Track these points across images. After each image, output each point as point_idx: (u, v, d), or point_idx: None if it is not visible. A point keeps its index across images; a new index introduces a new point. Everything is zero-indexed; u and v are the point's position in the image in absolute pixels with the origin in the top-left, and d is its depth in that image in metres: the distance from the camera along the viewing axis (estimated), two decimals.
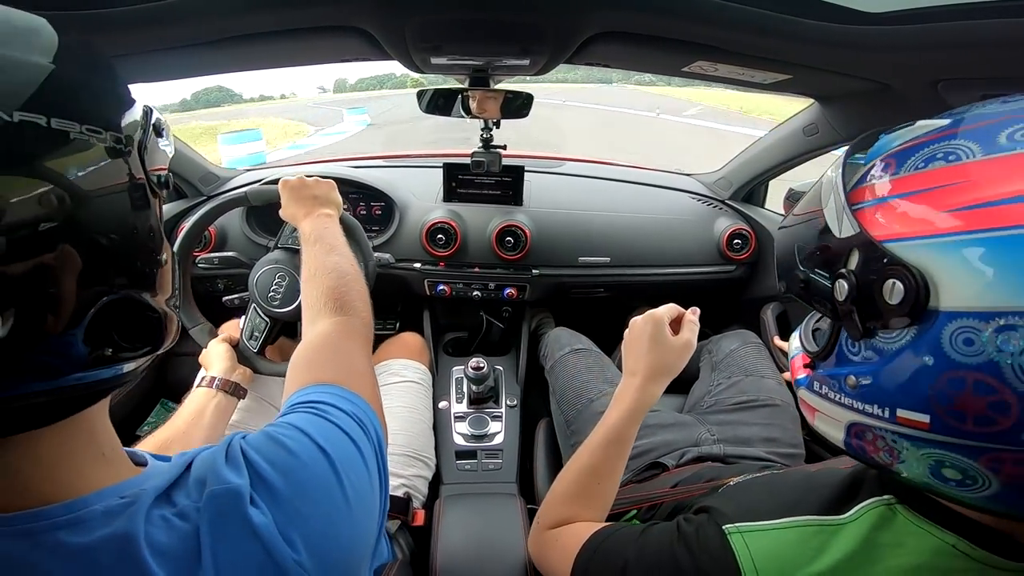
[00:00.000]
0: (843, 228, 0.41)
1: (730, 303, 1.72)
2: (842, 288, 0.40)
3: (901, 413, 0.37)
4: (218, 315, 1.18)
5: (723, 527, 0.50)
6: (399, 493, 0.99)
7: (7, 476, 0.32)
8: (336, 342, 0.63)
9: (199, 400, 0.94)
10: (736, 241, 1.52)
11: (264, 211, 1.50)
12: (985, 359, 0.32)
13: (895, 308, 0.36)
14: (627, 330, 0.79)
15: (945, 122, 0.39)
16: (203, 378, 0.99)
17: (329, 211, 0.90)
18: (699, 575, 0.49)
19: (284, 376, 1.02)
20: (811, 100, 1.17)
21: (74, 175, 0.31)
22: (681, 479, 0.89)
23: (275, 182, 1.01)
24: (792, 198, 1.47)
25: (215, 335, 1.09)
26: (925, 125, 0.41)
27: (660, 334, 0.74)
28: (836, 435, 0.45)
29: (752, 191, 1.62)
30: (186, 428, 0.89)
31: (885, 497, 0.45)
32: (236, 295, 1.14)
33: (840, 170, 0.43)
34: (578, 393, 1.15)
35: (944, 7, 0.59)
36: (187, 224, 1.10)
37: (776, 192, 1.60)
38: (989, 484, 0.35)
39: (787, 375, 1.21)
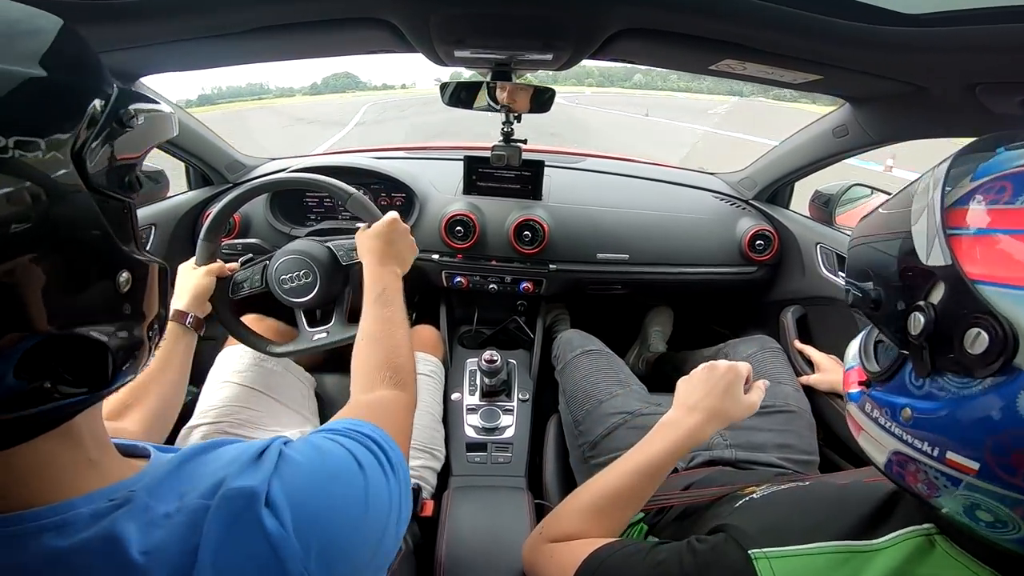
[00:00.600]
0: (932, 255, 0.37)
1: (750, 305, 1.70)
2: (917, 322, 0.37)
3: (951, 456, 0.36)
4: (239, 306, 1.20)
5: (749, 551, 0.48)
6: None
7: None
8: (396, 411, 0.67)
9: (168, 337, 0.90)
10: (759, 242, 1.49)
11: (290, 199, 1.53)
12: None
13: (974, 359, 0.33)
14: (701, 368, 0.79)
15: None
16: (174, 311, 0.94)
17: (399, 271, 0.92)
18: None
19: (233, 334, 1.08)
20: (841, 101, 1.13)
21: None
22: (691, 481, 0.88)
23: (325, 173, 1.04)
24: (819, 200, 1.44)
25: (213, 262, 1.06)
26: None
27: (737, 386, 0.75)
28: (878, 457, 0.44)
29: (777, 192, 1.58)
30: (155, 371, 0.86)
31: (925, 526, 0.43)
32: (254, 259, 1.14)
33: (940, 184, 0.39)
34: (588, 394, 1.15)
35: (983, 9, 0.57)
36: (280, 177, 1.11)
37: (801, 194, 1.57)
38: (1019, 530, 0.34)
39: (804, 379, 1.20)
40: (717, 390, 0.74)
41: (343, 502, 0.43)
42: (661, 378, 1.69)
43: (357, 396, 0.70)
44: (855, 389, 0.48)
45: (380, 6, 0.77)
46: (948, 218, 0.37)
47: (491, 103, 1.17)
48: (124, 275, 0.35)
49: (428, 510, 0.99)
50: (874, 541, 0.44)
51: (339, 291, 1.11)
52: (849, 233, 1.31)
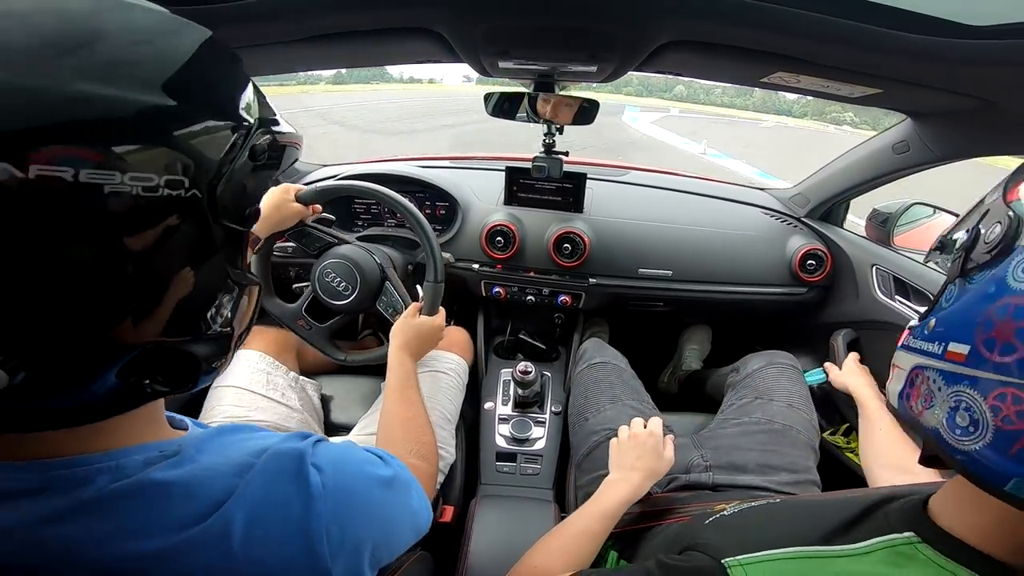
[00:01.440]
0: (993, 195, 0.43)
1: (798, 326, 1.63)
2: (960, 239, 0.43)
3: (951, 347, 0.39)
4: (289, 301, 1.24)
5: (721, 561, 0.48)
6: None
7: (54, 438, 0.36)
8: (420, 477, 0.71)
9: None
10: (810, 262, 1.43)
11: (340, 205, 1.58)
12: None
13: (988, 244, 0.39)
14: (628, 436, 0.92)
15: None
16: None
17: (415, 362, 1.00)
18: None
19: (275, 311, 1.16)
20: (903, 116, 1.08)
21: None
22: (668, 507, 0.88)
23: (370, 180, 1.11)
24: (876, 218, 1.37)
25: (309, 204, 1.09)
26: None
27: (659, 446, 0.89)
28: (897, 388, 0.46)
29: (831, 210, 1.52)
30: None
31: (906, 535, 0.42)
32: (305, 283, 1.20)
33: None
34: (579, 410, 1.15)
35: None
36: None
37: (858, 211, 1.50)
38: (984, 432, 0.35)
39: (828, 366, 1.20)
40: (646, 450, 0.88)
41: (371, 478, 0.49)
42: (689, 397, 1.64)
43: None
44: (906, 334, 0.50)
45: (428, 17, 0.79)
46: (1012, 177, 0.43)
47: (531, 115, 1.18)
48: (227, 297, 0.40)
49: (448, 515, 0.99)
50: (851, 546, 0.44)
51: (356, 315, 1.18)
52: (908, 255, 1.26)
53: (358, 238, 1.46)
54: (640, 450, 0.88)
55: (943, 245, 0.48)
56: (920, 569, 0.40)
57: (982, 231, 0.40)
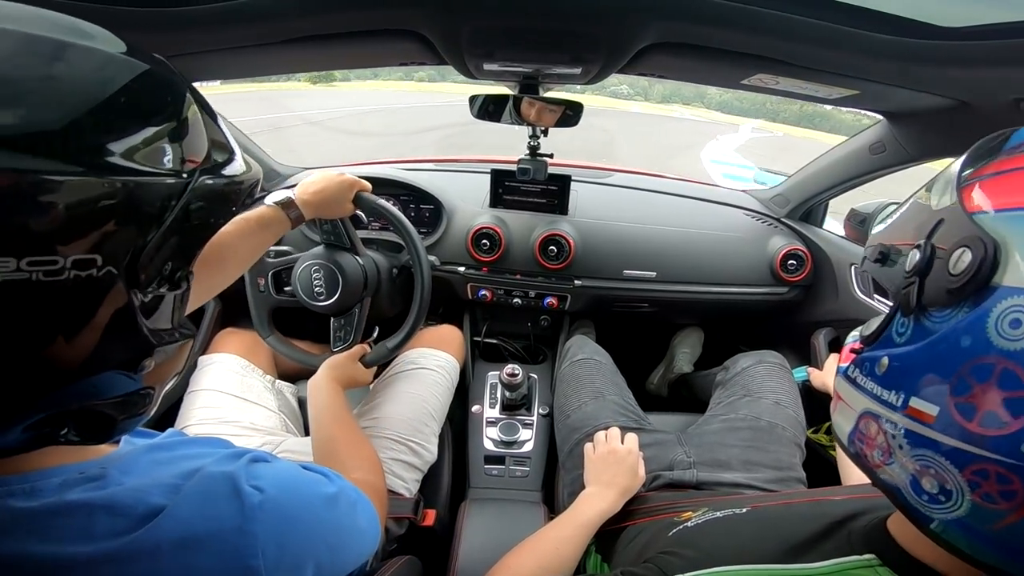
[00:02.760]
0: (942, 200, 0.37)
1: (780, 326, 1.65)
2: (912, 259, 0.37)
3: (914, 403, 0.34)
4: (275, 315, 1.22)
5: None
6: (404, 492, 1.00)
7: None
8: (368, 491, 0.70)
9: (268, 219, 0.88)
10: (791, 262, 1.46)
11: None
12: (1022, 346, 0.29)
13: (957, 278, 0.32)
14: (607, 451, 0.94)
15: None
16: (287, 197, 0.93)
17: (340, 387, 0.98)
18: None
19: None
20: (878, 117, 1.10)
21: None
22: (651, 505, 0.88)
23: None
24: (854, 218, 1.40)
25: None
26: None
27: (636, 464, 0.92)
28: (845, 428, 0.42)
29: (811, 210, 1.55)
30: (241, 235, 0.84)
31: (866, 557, 0.41)
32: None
33: (969, 153, 0.39)
34: (560, 408, 1.15)
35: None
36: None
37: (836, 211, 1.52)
38: (960, 504, 0.32)
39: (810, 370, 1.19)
40: (624, 468, 0.90)
41: (314, 496, 0.49)
42: (679, 398, 1.65)
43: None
44: (846, 362, 0.46)
45: (412, 19, 0.79)
46: (963, 176, 0.37)
47: (516, 118, 1.18)
48: (149, 361, 0.36)
49: (430, 519, 0.98)
50: (809, 565, 0.42)
51: (352, 305, 1.16)
52: None
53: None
54: (618, 467, 0.90)
55: (883, 256, 0.43)
56: None
57: (940, 253, 0.35)
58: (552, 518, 1.03)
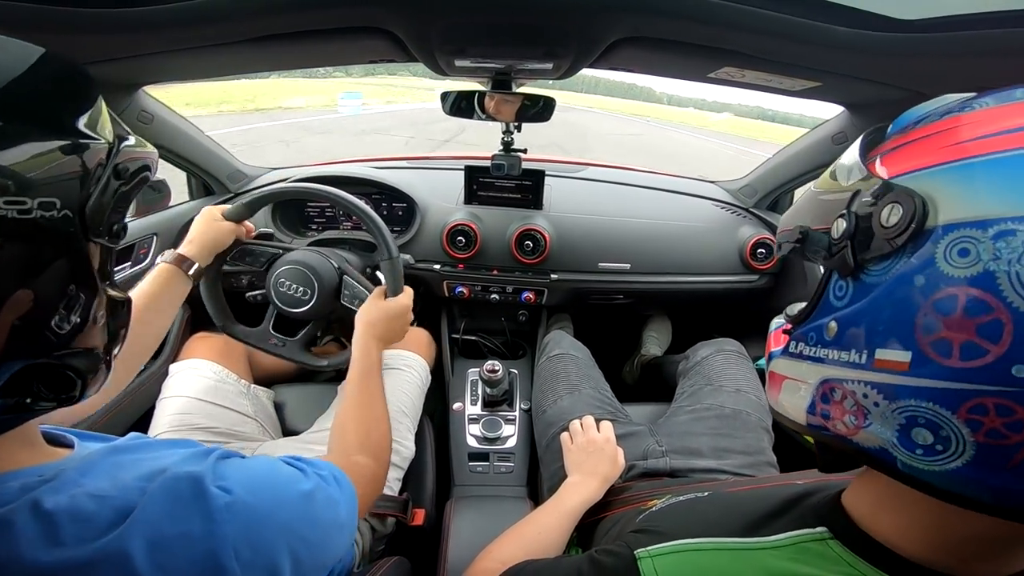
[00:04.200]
0: (851, 177, 0.39)
1: (751, 314, 1.69)
2: (839, 227, 0.38)
3: (880, 354, 0.33)
4: (242, 312, 1.20)
5: (635, 551, 0.48)
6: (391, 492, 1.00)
7: None
8: (363, 474, 0.72)
9: (165, 281, 0.86)
10: (760, 250, 1.49)
11: (291, 209, 1.53)
12: (981, 269, 0.29)
13: (891, 229, 0.33)
14: (586, 440, 0.96)
15: (973, 94, 0.37)
16: (172, 253, 0.90)
17: (382, 350, 0.94)
18: None
19: (205, 297, 1.08)
20: (840, 108, 1.14)
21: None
22: (627, 494, 0.90)
23: (325, 182, 1.04)
24: None
25: (242, 221, 1.03)
26: (949, 96, 0.39)
27: (615, 455, 0.94)
28: (800, 406, 0.41)
29: (777, 200, 1.59)
30: (146, 306, 0.82)
31: (818, 530, 0.42)
32: (259, 291, 1.15)
33: (861, 139, 0.42)
34: (537, 402, 1.16)
35: (979, 15, 0.57)
36: (315, 186, 1.05)
37: None
38: (962, 448, 0.30)
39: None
40: (604, 457, 0.93)
41: (287, 494, 0.47)
42: (649, 384, 1.68)
43: (333, 457, 0.75)
44: (777, 346, 0.47)
45: (382, 16, 0.78)
46: (865, 155, 0.39)
47: (478, 113, 1.18)
48: (101, 311, 0.40)
49: (419, 519, 0.98)
50: (761, 539, 0.44)
51: (323, 318, 1.12)
52: None
53: (312, 242, 1.43)
54: (599, 456, 0.93)
55: (803, 236, 0.44)
56: (830, 565, 0.39)
57: (873, 216, 0.35)
58: None
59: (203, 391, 1.07)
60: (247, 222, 1.05)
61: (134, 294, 0.81)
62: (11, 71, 0.34)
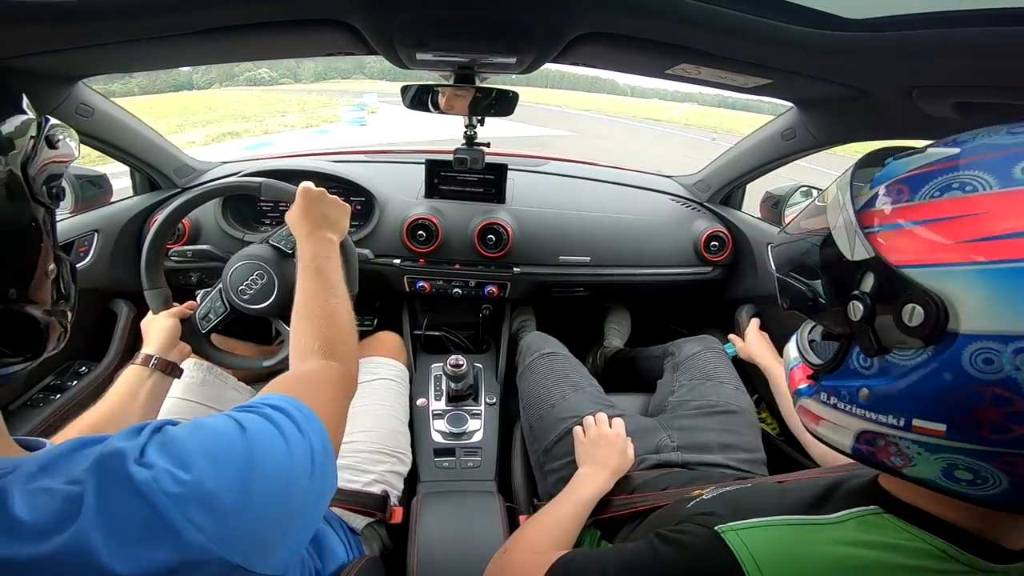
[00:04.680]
0: (856, 251, 0.43)
1: (706, 304, 1.75)
2: (856, 309, 0.42)
3: (917, 423, 0.39)
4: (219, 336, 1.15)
5: (714, 528, 0.50)
6: (375, 490, 0.98)
7: None
8: (317, 378, 0.65)
9: (132, 380, 0.89)
10: (713, 243, 1.55)
11: (241, 203, 1.48)
12: (1003, 376, 0.34)
13: (915, 330, 0.38)
14: (597, 434, 1.00)
15: (955, 151, 0.41)
16: (138, 355, 0.93)
17: (333, 236, 0.89)
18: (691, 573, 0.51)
19: (222, 365, 1.08)
20: (790, 105, 1.19)
21: None
22: (641, 482, 0.94)
23: (279, 176, 1.03)
24: (769, 201, 1.50)
25: (169, 305, 1.04)
26: (935, 153, 0.42)
27: (626, 448, 0.98)
28: (843, 441, 0.47)
29: (730, 194, 1.64)
30: (118, 410, 0.83)
31: (872, 507, 0.47)
32: (209, 288, 1.11)
33: (848, 192, 0.45)
34: (541, 399, 1.17)
35: (920, 15, 0.61)
36: (167, 210, 1.05)
37: (753, 195, 1.63)
38: (1000, 483, 0.37)
39: (733, 338, 1.28)
40: (614, 450, 0.96)
41: (221, 456, 0.42)
42: (617, 376, 1.72)
43: (292, 371, 0.69)
44: (804, 384, 0.52)
45: (341, 8, 0.76)
46: (861, 220, 0.43)
47: (431, 107, 1.17)
48: (52, 266, 0.45)
49: (397, 517, 0.97)
50: (823, 516, 0.48)
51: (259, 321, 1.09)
52: None
53: (266, 238, 1.38)
54: (610, 449, 0.96)
55: (815, 301, 0.48)
56: (891, 534, 0.44)
57: (893, 311, 0.39)
58: (509, 507, 1.06)
59: (188, 393, 1.05)
60: (180, 307, 1.06)
61: (108, 399, 0.85)
62: None
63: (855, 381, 0.44)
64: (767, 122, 1.34)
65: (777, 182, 1.50)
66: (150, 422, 0.43)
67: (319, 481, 0.49)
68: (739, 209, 1.66)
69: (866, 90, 0.87)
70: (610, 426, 1.02)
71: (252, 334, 1.39)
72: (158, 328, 0.98)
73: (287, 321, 1.03)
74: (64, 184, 0.48)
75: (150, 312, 1.03)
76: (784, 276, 0.54)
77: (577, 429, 1.03)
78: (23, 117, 0.43)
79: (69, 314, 0.48)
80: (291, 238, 1.04)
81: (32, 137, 0.42)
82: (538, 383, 1.21)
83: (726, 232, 1.56)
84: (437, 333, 1.68)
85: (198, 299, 1.09)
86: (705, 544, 0.50)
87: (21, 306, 0.41)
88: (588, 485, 0.90)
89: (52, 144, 0.45)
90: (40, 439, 0.47)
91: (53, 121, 0.46)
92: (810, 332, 0.57)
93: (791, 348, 0.57)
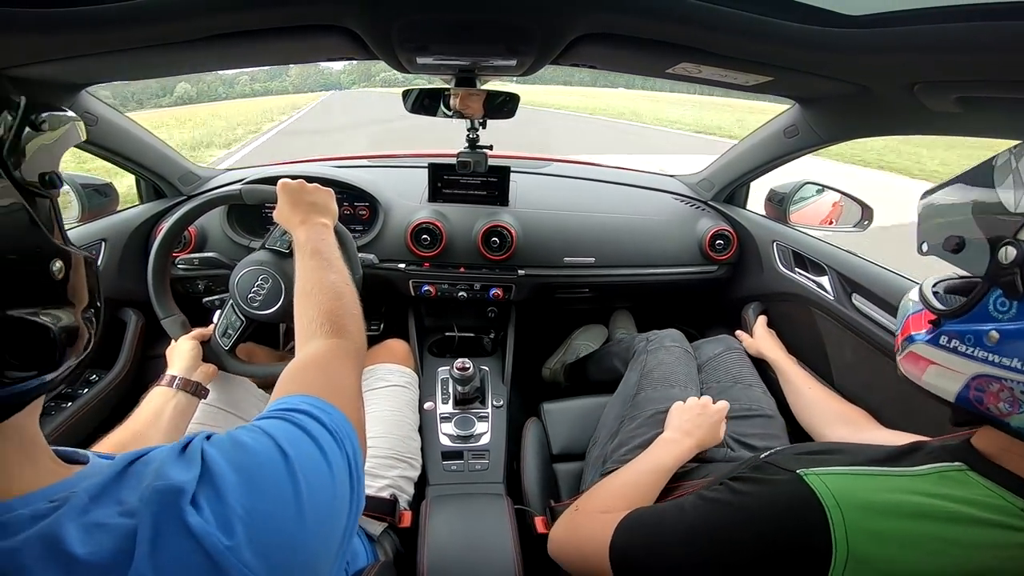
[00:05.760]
0: (1020, 205, 0.45)
1: (713, 303, 1.75)
2: (1008, 253, 0.44)
3: None
4: (199, 316, 1.16)
5: (796, 471, 0.53)
6: (385, 494, 0.99)
7: None
8: (328, 361, 0.63)
9: (157, 400, 0.92)
10: (718, 242, 1.54)
11: (247, 211, 1.49)
12: None
13: None
14: (698, 404, 0.99)
15: None
16: (163, 376, 0.97)
17: (326, 220, 0.90)
18: (775, 514, 0.52)
19: (251, 376, 1.04)
20: (792, 102, 1.18)
21: None
22: (686, 470, 0.92)
23: (271, 181, 1.00)
24: (774, 198, 1.50)
25: (188, 329, 1.07)
26: None
27: (719, 426, 0.97)
28: (951, 387, 0.49)
29: (734, 192, 1.64)
30: (143, 429, 0.87)
31: (956, 464, 0.49)
32: (216, 296, 1.12)
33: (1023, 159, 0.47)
34: (665, 376, 1.16)
35: (921, 10, 0.60)
36: (170, 220, 1.07)
37: (757, 194, 1.63)
38: None
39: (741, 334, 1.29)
40: (707, 422, 0.95)
41: (270, 492, 0.41)
42: (576, 379, 1.74)
43: (300, 356, 0.67)
44: (923, 330, 0.54)
45: (341, 13, 0.76)
46: None
47: (444, 110, 1.18)
48: (57, 264, 0.39)
49: (407, 521, 0.98)
50: (909, 468, 0.50)
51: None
52: (803, 230, 1.39)
53: (263, 243, 1.39)
54: (703, 419, 0.96)
55: (960, 246, 0.50)
56: (973, 489, 0.47)
57: None
58: (518, 509, 1.05)
59: (211, 398, 1.06)
60: (199, 330, 1.09)
61: (135, 419, 0.89)
62: None
63: (986, 324, 0.46)
64: (769, 119, 1.34)
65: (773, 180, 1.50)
66: (194, 440, 0.43)
67: (357, 498, 0.49)
68: (743, 207, 1.65)
69: (867, 86, 0.86)
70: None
71: (267, 338, 1.41)
72: (180, 353, 1.02)
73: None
74: (59, 172, 0.43)
75: (172, 345, 1.06)
76: (933, 221, 0.55)
77: (676, 403, 1.02)
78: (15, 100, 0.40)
79: (90, 323, 0.43)
80: (286, 237, 1.06)
81: (11, 118, 0.39)
82: (664, 364, 1.20)
83: (731, 230, 1.55)
84: (453, 334, 1.67)
85: (214, 319, 1.11)
86: (786, 484, 0.53)
87: (23, 312, 0.35)
88: (668, 450, 0.89)
89: (36, 127, 0.41)
90: (79, 451, 0.44)
91: (52, 112, 0.43)
92: (936, 284, 0.58)
93: (911, 296, 0.59)
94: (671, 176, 1.81)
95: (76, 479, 0.38)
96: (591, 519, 0.76)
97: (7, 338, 0.34)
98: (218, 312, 1.11)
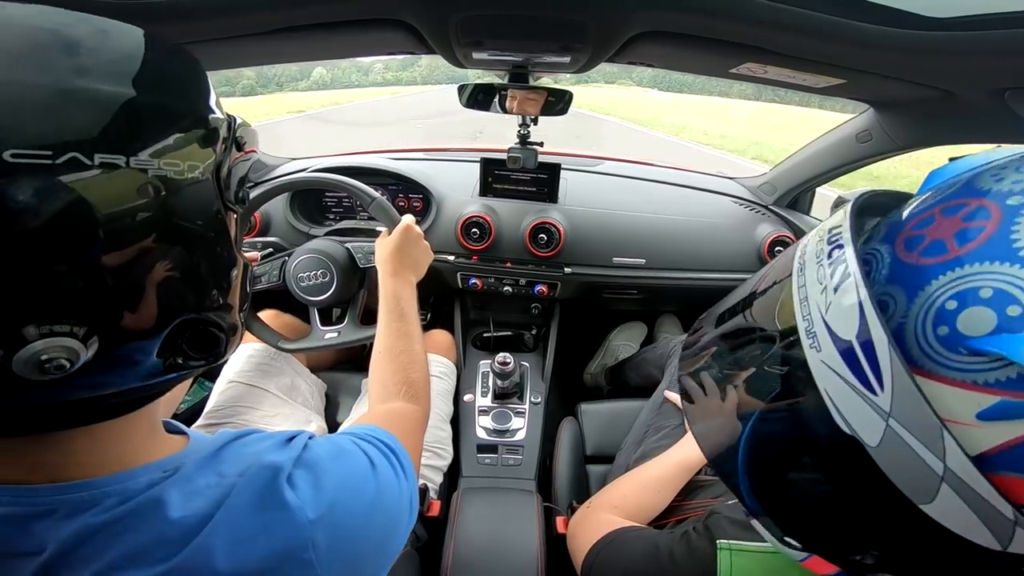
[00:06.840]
0: None
1: None
2: None
3: None
4: (255, 299, 1.22)
5: (717, 540, 0.52)
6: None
7: (68, 455, 0.37)
8: (409, 423, 0.70)
9: None
10: (778, 248, 1.47)
11: (309, 199, 1.55)
12: None
13: None
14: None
15: None
16: None
17: (413, 279, 0.94)
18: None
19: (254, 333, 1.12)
20: (866, 106, 1.11)
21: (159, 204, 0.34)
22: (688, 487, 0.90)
23: (343, 173, 1.07)
24: (840, 205, 1.41)
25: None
26: None
27: None
28: None
29: (798, 198, 1.56)
30: None
31: None
32: (264, 284, 1.17)
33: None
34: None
35: (1008, 13, 0.55)
36: (300, 176, 1.14)
37: (823, 199, 1.54)
38: None
39: None
40: None
41: (355, 494, 0.46)
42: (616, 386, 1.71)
43: (375, 405, 0.74)
44: None
45: (399, 8, 0.78)
46: None
47: (499, 109, 1.18)
48: (235, 271, 0.43)
49: (435, 510, 0.99)
50: None
51: (354, 292, 1.15)
52: None
53: (329, 232, 1.44)
54: None
55: None
56: None
57: None
58: (547, 507, 1.05)
59: (254, 378, 1.11)
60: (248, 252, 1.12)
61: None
62: (136, 52, 0.37)
63: None
64: (841, 123, 1.26)
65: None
66: (299, 435, 0.48)
67: (413, 515, 0.55)
68: (807, 214, 1.57)
69: (951, 91, 0.80)
70: None
71: (292, 309, 1.46)
72: None
73: (326, 316, 1.12)
74: (246, 190, 0.46)
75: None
76: None
77: None
78: (217, 115, 0.40)
79: (243, 314, 0.47)
80: (370, 256, 1.10)
81: (224, 139, 0.40)
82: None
83: (793, 237, 1.47)
84: (508, 333, 1.69)
85: (259, 257, 1.16)
86: (702, 556, 0.52)
87: (211, 316, 0.40)
88: (695, 448, 0.86)
89: (240, 146, 0.43)
90: (180, 425, 0.48)
91: (239, 120, 0.45)
92: None
93: None
94: (730, 178, 1.74)
95: (186, 452, 0.43)
96: (595, 516, 0.76)
97: (193, 334, 0.39)
98: (265, 256, 1.16)
